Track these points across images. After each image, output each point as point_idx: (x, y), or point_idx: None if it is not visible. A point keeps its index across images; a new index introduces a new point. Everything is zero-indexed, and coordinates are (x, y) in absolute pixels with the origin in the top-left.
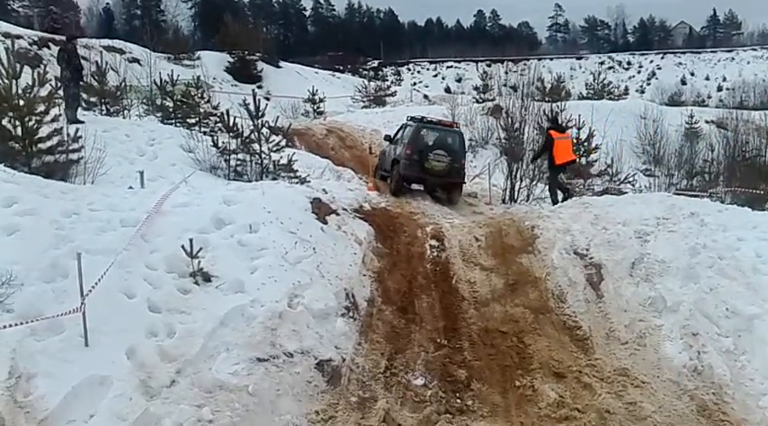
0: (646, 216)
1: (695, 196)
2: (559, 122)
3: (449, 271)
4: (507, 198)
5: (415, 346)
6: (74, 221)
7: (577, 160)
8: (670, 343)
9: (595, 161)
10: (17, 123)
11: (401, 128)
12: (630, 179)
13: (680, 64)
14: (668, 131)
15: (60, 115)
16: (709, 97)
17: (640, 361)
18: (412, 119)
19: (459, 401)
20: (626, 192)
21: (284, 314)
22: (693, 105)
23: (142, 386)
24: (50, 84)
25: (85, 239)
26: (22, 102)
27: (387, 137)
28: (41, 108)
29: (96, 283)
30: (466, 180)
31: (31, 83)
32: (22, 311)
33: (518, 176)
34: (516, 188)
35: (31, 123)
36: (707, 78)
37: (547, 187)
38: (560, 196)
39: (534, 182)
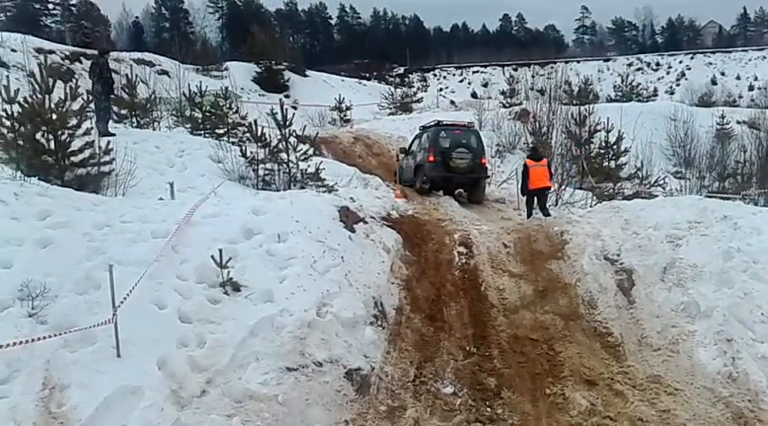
0: (677, 219)
1: (727, 198)
2: (538, 151)
3: (477, 278)
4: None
5: (444, 354)
6: (106, 233)
7: (552, 187)
8: (704, 349)
9: (624, 164)
10: (50, 137)
11: (416, 137)
12: (661, 182)
13: (710, 64)
14: (699, 133)
15: (92, 128)
16: (741, 97)
17: (673, 368)
18: (424, 128)
19: (489, 409)
20: (656, 196)
21: (313, 323)
22: (724, 105)
23: (173, 396)
24: (82, 98)
25: (117, 251)
26: (54, 116)
27: (402, 150)
28: (74, 121)
29: (128, 294)
30: (489, 174)
31: (63, 97)
32: (55, 322)
33: None
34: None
35: (63, 137)
36: (738, 78)
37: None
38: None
39: (563, 187)
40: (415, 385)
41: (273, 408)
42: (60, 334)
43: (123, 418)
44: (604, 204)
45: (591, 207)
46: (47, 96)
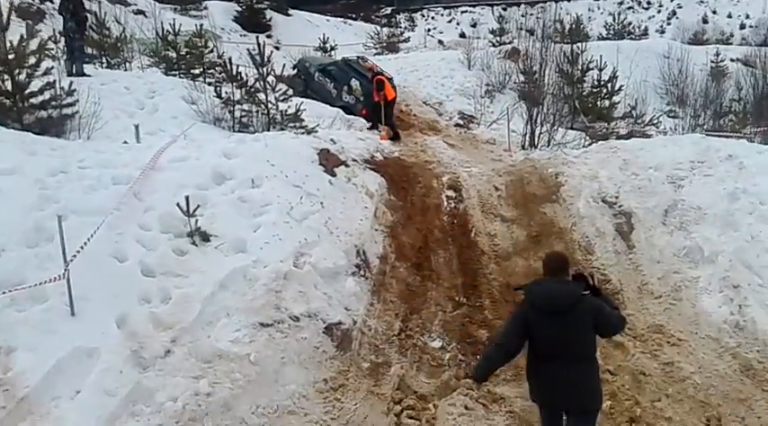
0: (679, 159)
1: (729, 137)
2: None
3: (467, 224)
4: (527, 144)
5: (431, 305)
6: (60, 180)
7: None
8: (708, 297)
9: (618, 103)
10: (6, 77)
11: (337, 66)
12: (655, 121)
13: (701, 2)
14: (693, 71)
15: (52, 68)
16: (732, 35)
17: (676, 317)
18: (349, 65)
19: None
20: (650, 135)
21: (290, 274)
22: (717, 44)
23: (134, 358)
24: (42, 36)
25: (73, 199)
26: (11, 56)
27: (321, 67)
28: (32, 61)
29: (82, 247)
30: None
31: (22, 35)
32: (2, 278)
33: (538, 121)
34: (536, 133)
35: (21, 77)
36: (729, 16)
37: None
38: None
39: (555, 127)
40: (400, 339)
41: (245, 368)
42: (7, 292)
43: (77, 383)
44: (601, 144)
45: (585, 147)
46: (2, 34)
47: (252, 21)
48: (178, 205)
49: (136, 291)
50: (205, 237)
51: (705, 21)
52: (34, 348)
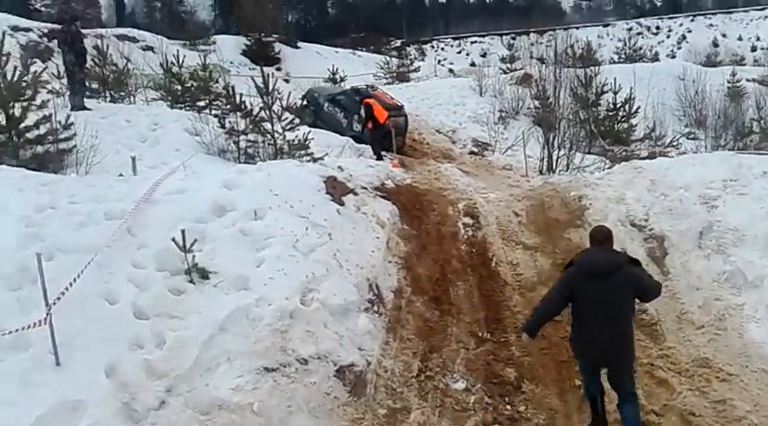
0: (710, 178)
1: (761, 154)
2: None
3: (487, 253)
4: (545, 168)
5: (452, 342)
6: (48, 216)
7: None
8: (756, 325)
9: (635, 126)
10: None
11: (346, 95)
12: (675, 143)
13: (711, 25)
14: (710, 92)
15: (48, 101)
16: (743, 59)
17: (723, 348)
18: (358, 93)
19: (509, 407)
20: (672, 157)
21: (296, 312)
22: (731, 65)
23: (125, 411)
24: (37, 69)
25: (61, 236)
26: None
27: (330, 97)
28: (28, 93)
29: (67, 288)
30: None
31: (16, 67)
32: None
33: (555, 145)
34: (554, 157)
35: (15, 110)
36: (740, 38)
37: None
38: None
39: (573, 151)
40: (419, 381)
41: (247, 419)
42: None
43: None
44: (625, 165)
45: (606, 170)
46: None
47: (260, 54)
48: (174, 240)
49: (127, 336)
50: (204, 274)
51: (716, 44)
52: (13, 402)
